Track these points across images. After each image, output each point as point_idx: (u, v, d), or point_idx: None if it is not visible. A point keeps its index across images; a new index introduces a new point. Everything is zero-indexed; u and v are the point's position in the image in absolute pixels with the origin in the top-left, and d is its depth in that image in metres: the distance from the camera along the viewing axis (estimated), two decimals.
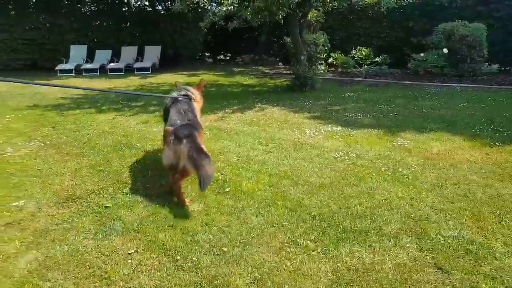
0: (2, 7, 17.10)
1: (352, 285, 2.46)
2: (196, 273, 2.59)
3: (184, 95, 4.33)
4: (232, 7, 10.16)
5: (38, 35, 17.26)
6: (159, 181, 4.13)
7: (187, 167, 3.57)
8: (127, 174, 4.42)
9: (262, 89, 11.31)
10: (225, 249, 2.84)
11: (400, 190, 3.81)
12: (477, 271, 2.54)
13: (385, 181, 4.04)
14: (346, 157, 4.81)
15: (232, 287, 2.46)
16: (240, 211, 3.44)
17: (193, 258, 2.74)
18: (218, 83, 12.67)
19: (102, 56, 17.18)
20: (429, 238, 2.94)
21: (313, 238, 2.98)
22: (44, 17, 17.43)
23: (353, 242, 2.91)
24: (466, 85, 10.26)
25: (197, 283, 2.50)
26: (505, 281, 2.44)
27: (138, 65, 16.71)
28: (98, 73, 16.08)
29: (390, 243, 2.88)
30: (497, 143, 5.16)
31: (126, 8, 21.03)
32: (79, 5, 19.35)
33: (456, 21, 11.50)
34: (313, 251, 2.81)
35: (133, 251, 2.85)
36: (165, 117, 4.18)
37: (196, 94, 4.50)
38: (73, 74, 15.82)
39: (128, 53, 17.45)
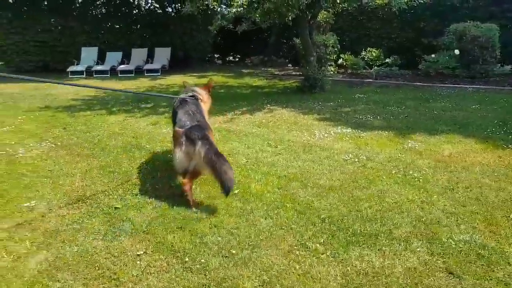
0: (15, 10, 17.34)
1: None
2: (205, 275, 2.58)
3: (191, 96, 4.29)
4: (241, 8, 10.16)
5: (50, 37, 17.45)
6: (168, 182, 4.14)
7: (198, 169, 3.57)
8: (137, 175, 4.44)
9: (271, 90, 11.30)
10: (234, 251, 2.84)
11: (411, 193, 3.77)
12: (489, 276, 2.49)
13: (395, 184, 4.00)
14: (356, 159, 4.77)
15: None
16: (248, 213, 3.43)
17: (202, 260, 2.74)
18: (227, 85, 12.68)
19: (113, 58, 17.31)
20: (440, 242, 2.90)
21: (322, 241, 2.96)
22: (56, 20, 17.61)
23: (363, 246, 2.88)
24: (478, 86, 10.13)
25: (205, 285, 2.49)
26: None
27: (148, 66, 16.80)
28: (108, 75, 16.20)
29: (401, 247, 2.85)
30: (510, 146, 5.08)
31: (137, 11, 21.18)
32: (91, 8, 19.55)
33: (468, 21, 11.37)
34: (322, 254, 2.79)
35: (142, 252, 2.86)
36: (173, 119, 4.16)
37: (203, 95, 4.46)
38: (84, 76, 15.96)
39: (138, 55, 17.56)
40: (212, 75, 14.97)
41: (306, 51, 10.47)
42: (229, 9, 11.12)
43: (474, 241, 2.88)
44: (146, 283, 2.53)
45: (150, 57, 17.60)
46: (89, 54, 17.24)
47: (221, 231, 3.12)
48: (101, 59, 17.30)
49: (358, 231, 3.09)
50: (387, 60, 13.54)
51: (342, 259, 2.72)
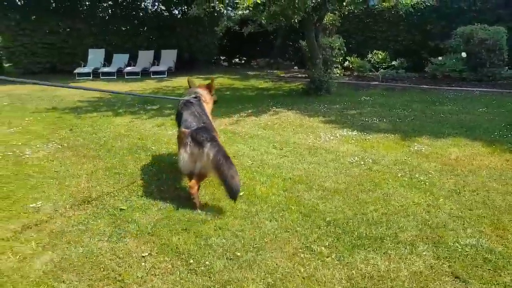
0: (24, 12, 17.49)
1: None
2: (209, 277, 2.58)
3: (194, 97, 4.24)
4: (247, 11, 10.18)
5: (58, 39, 17.59)
6: (174, 184, 4.15)
7: (205, 171, 3.56)
8: (142, 176, 4.46)
9: (277, 92, 11.30)
10: (238, 254, 2.83)
11: (417, 197, 3.74)
12: (496, 281, 2.47)
13: (401, 187, 3.98)
14: (362, 162, 4.76)
15: None
16: (253, 215, 3.43)
17: (206, 262, 2.73)
18: (233, 87, 12.71)
19: (120, 60, 17.41)
20: (446, 246, 2.87)
21: (327, 244, 2.95)
22: (63, 22, 17.75)
23: (368, 249, 2.86)
24: (485, 89, 10.07)
25: (210, 287, 2.49)
26: None
27: (154, 68, 16.87)
28: (115, 77, 16.29)
29: (406, 251, 2.83)
30: None
31: (144, 13, 21.29)
32: (98, 10, 19.68)
33: (476, 24, 11.31)
34: (327, 257, 2.78)
35: (146, 254, 2.86)
36: (178, 120, 4.13)
37: (205, 95, 4.42)
38: (91, 78, 16.06)
39: (145, 57, 17.65)
40: (218, 77, 15.00)
41: (312, 53, 10.47)
42: (235, 11, 11.15)
43: (481, 245, 2.85)
44: (151, 284, 2.53)
45: (157, 59, 17.68)
46: (96, 56, 17.36)
47: (226, 233, 3.12)
48: (108, 61, 17.41)
49: (364, 234, 3.08)
50: (393, 62, 13.50)
51: (347, 263, 2.71)
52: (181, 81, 14.11)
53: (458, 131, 6.05)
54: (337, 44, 12.67)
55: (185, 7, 19.55)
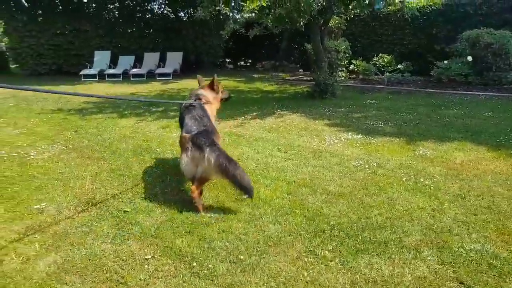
0: (31, 13, 17.64)
1: None
2: (212, 280, 2.57)
3: (195, 99, 4.21)
4: (253, 14, 10.20)
5: (64, 41, 17.73)
6: (178, 186, 4.15)
7: (206, 175, 3.56)
8: (146, 178, 4.46)
9: (282, 95, 11.30)
10: (242, 257, 2.82)
11: (422, 201, 3.72)
12: (501, 287, 2.44)
13: (406, 191, 3.96)
14: (366, 166, 4.74)
15: None
16: (257, 218, 3.42)
17: (209, 265, 2.73)
18: (238, 89, 12.71)
19: (125, 61, 17.50)
20: (450, 251, 2.85)
21: (331, 248, 2.93)
22: (70, 24, 17.87)
23: (372, 254, 2.85)
24: (491, 93, 10.01)
25: None
26: None
27: (159, 70, 16.95)
28: (121, 78, 16.38)
29: (410, 255, 2.81)
30: None
31: (150, 15, 21.39)
32: (105, 12, 19.81)
33: (481, 28, 11.26)
34: (331, 261, 2.76)
35: (150, 256, 2.86)
36: (181, 124, 4.11)
37: (208, 96, 4.36)
38: (97, 79, 16.16)
39: (151, 59, 17.73)
40: (224, 80, 15.02)
41: (317, 56, 10.47)
42: (241, 14, 11.18)
43: (486, 251, 2.83)
44: (154, 287, 2.52)
45: (162, 61, 17.76)
46: (102, 58, 17.47)
47: (229, 237, 3.11)
48: (113, 62, 17.53)
49: (368, 238, 3.06)
50: (399, 66, 13.48)
51: (351, 267, 2.69)
52: (186, 83, 14.16)
53: (463, 135, 6.02)
54: (342, 47, 12.66)
55: (191, 9, 19.62)
